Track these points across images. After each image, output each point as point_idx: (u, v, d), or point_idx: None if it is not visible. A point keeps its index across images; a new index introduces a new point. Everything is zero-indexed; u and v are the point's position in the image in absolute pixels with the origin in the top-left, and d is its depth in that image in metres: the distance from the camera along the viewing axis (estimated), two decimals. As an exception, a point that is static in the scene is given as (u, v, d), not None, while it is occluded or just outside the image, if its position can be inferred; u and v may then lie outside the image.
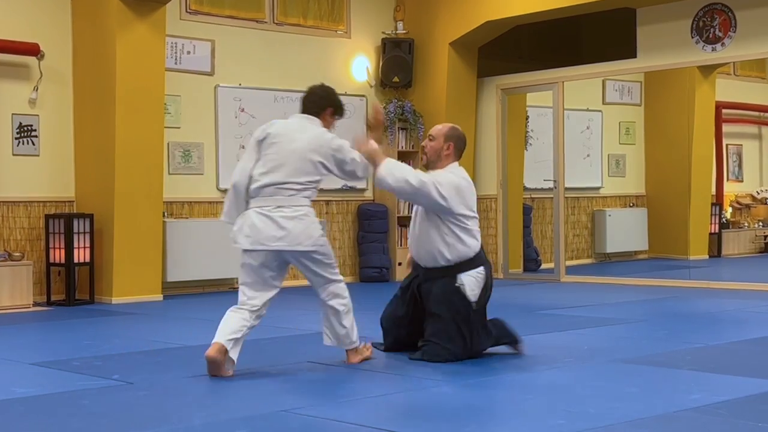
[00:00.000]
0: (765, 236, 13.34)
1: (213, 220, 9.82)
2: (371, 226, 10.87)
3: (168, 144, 9.61)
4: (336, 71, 10.83)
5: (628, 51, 10.10)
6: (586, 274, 10.94)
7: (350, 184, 10.61)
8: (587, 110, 12.37)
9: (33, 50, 8.94)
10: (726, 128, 12.82)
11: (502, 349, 5.64)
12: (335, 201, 10.84)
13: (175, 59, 9.70)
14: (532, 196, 11.89)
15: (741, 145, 13.32)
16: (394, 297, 5.80)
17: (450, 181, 5.42)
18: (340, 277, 5.28)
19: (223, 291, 9.83)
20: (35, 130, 9.02)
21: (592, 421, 3.98)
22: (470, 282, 5.43)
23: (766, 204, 13.52)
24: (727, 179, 13.03)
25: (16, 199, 8.94)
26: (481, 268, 5.46)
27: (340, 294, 5.24)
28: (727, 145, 13.02)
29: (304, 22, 10.62)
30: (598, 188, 12.67)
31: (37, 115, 9.05)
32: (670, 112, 12.37)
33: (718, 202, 12.75)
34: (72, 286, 8.79)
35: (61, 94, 9.18)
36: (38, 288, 8.89)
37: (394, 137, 10.95)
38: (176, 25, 9.63)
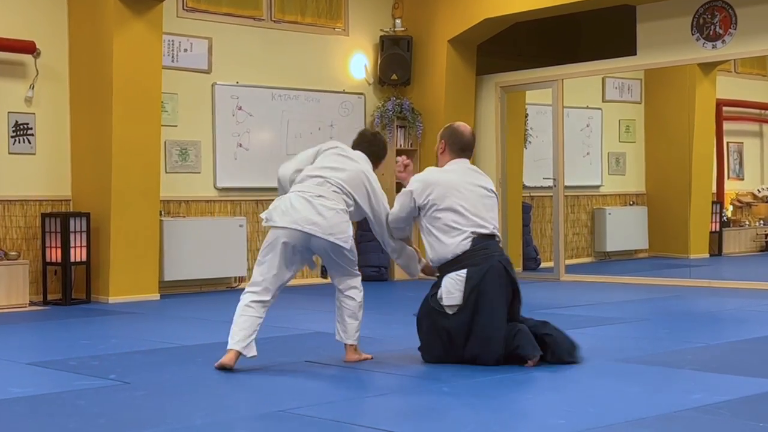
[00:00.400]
0: (766, 235, 13.34)
1: (210, 219, 9.81)
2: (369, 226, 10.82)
3: (165, 142, 9.58)
4: (334, 69, 10.81)
5: (628, 48, 10.08)
6: (585, 273, 10.92)
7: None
8: (587, 108, 12.36)
9: (29, 48, 8.91)
10: (727, 126, 12.83)
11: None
12: (334, 199, 10.80)
13: (172, 57, 9.67)
14: (532, 194, 11.88)
15: (742, 142, 13.33)
16: None
17: (415, 179, 5.44)
18: (359, 273, 5.42)
19: (221, 290, 9.81)
20: (31, 129, 8.99)
21: (592, 420, 3.96)
22: (448, 284, 5.25)
23: (767, 202, 13.51)
24: (728, 177, 13.04)
25: (12, 198, 8.91)
26: (463, 271, 5.21)
27: (357, 286, 5.37)
28: (727, 142, 13.04)
29: (302, 20, 10.59)
30: (597, 186, 12.67)
31: (34, 114, 9.02)
32: (670, 109, 12.37)
33: (718, 200, 12.76)
34: (68, 286, 8.77)
35: (57, 92, 9.15)
36: (34, 287, 8.87)
37: (393, 135, 10.91)
38: (173, 23, 9.61)
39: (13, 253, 8.69)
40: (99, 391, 4.74)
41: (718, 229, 12.65)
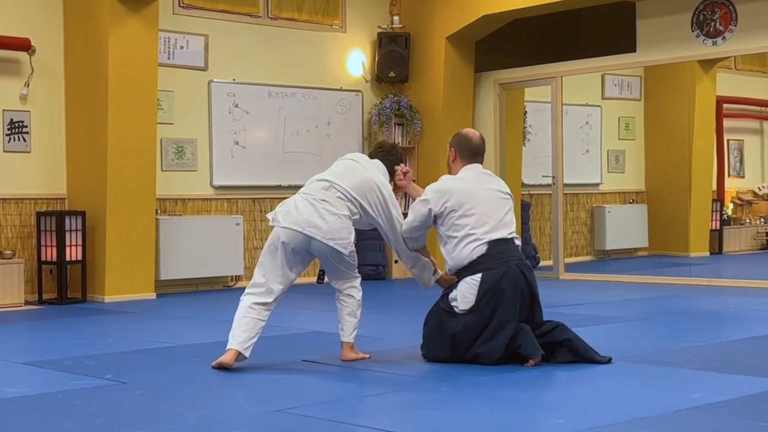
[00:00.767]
0: (767, 233, 13.31)
1: (207, 218, 9.78)
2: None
3: (161, 140, 9.54)
4: (331, 66, 10.78)
5: (628, 45, 10.05)
6: (585, 272, 10.92)
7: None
8: (586, 105, 12.35)
9: (24, 45, 8.89)
10: (727, 123, 12.82)
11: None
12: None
13: (168, 54, 9.64)
14: (531, 192, 11.87)
15: (742, 140, 13.31)
16: None
17: (430, 188, 5.45)
18: (358, 275, 5.42)
19: (217, 289, 9.80)
20: (26, 127, 8.96)
21: (591, 420, 3.95)
22: (463, 289, 5.26)
23: (767, 200, 13.49)
24: (728, 175, 13.03)
25: (7, 197, 8.87)
26: (478, 275, 5.21)
27: (357, 286, 5.38)
28: (728, 140, 13.02)
29: (299, 17, 10.56)
30: (597, 184, 12.66)
31: (29, 111, 8.99)
32: (670, 107, 12.36)
33: (719, 198, 12.75)
34: (64, 285, 8.75)
35: (52, 89, 9.12)
36: (30, 286, 8.84)
37: (390, 133, 10.88)
38: (169, 20, 9.58)
39: (8, 252, 8.67)
40: (95, 390, 4.73)
41: (718, 227, 12.64)
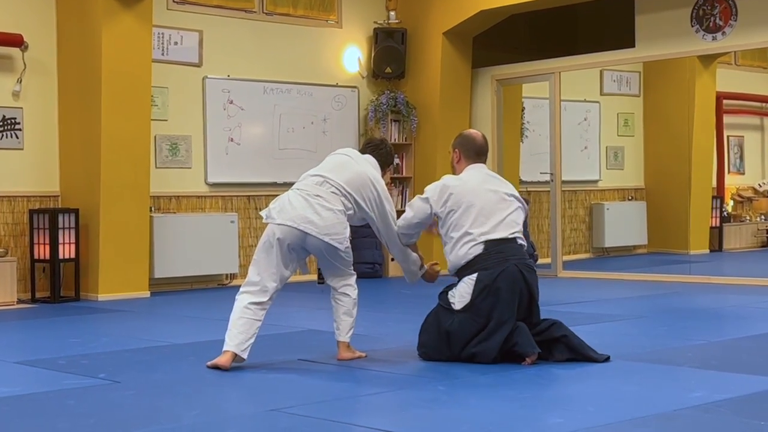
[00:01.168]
0: (767, 230, 13.27)
1: (201, 215, 9.74)
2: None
3: (155, 137, 9.50)
4: (327, 62, 10.75)
5: (627, 40, 10.04)
6: (583, 270, 10.90)
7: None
8: (585, 101, 12.33)
9: (16, 41, 8.86)
10: (727, 119, 12.77)
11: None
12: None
13: (162, 50, 9.60)
14: (529, 189, 11.81)
15: (742, 136, 13.27)
16: None
17: (431, 186, 5.45)
18: (354, 272, 5.40)
19: (212, 287, 9.79)
20: (19, 123, 8.93)
21: (591, 419, 3.94)
22: (461, 288, 5.26)
23: (768, 197, 13.45)
24: (728, 172, 12.98)
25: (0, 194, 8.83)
26: (475, 274, 5.20)
27: (352, 284, 5.36)
28: (728, 136, 12.97)
29: (294, 12, 10.51)
30: (595, 181, 12.64)
31: (21, 108, 8.95)
32: (669, 102, 12.32)
33: (719, 195, 12.71)
34: (57, 283, 8.73)
35: (45, 86, 9.08)
36: (22, 285, 8.82)
37: (387, 130, 10.84)
38: (163, 15, 9.55)
39: (1, 250, 8.64)
40: (88, 390, 4.73)
41: (718, 225, 12.60)
